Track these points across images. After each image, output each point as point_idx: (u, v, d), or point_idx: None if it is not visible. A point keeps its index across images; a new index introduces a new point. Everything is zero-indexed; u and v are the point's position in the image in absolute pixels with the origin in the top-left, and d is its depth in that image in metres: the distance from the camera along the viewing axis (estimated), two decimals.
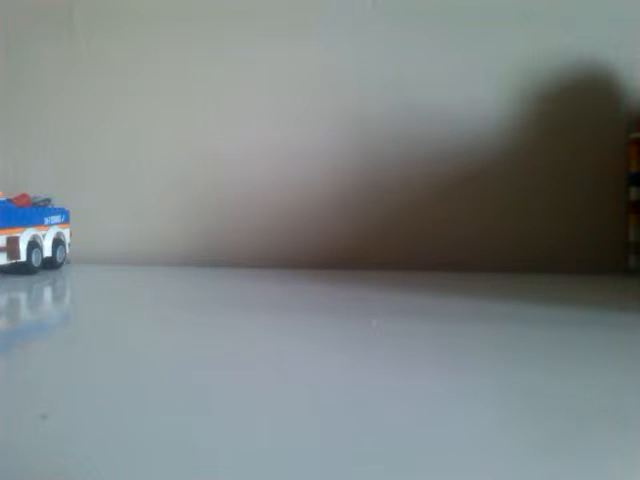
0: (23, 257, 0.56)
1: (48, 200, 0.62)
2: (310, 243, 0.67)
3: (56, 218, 0.62)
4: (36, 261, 0.58)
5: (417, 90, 0.65)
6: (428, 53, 0.64)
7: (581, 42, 0.62)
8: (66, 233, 0.64)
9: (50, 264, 0.61)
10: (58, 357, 0.29)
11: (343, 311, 0.40)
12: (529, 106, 0.63)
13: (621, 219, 0.61)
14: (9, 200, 0.57)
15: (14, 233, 0.55)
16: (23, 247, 0.56)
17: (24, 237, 0.56)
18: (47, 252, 0.60)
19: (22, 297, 0.46)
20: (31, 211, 0.58)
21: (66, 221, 0.64)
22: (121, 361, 0.28)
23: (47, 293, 0.48)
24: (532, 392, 0.23)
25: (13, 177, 0.73)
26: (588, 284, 0.52)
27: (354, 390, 0.23)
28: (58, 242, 0.62)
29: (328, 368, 0.26)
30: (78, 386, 0.24)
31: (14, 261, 0.55)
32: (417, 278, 0.56)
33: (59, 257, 0.62)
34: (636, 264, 0.59)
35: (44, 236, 0.60)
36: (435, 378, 0.25)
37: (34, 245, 0.58)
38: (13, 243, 0.55)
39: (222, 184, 0.69)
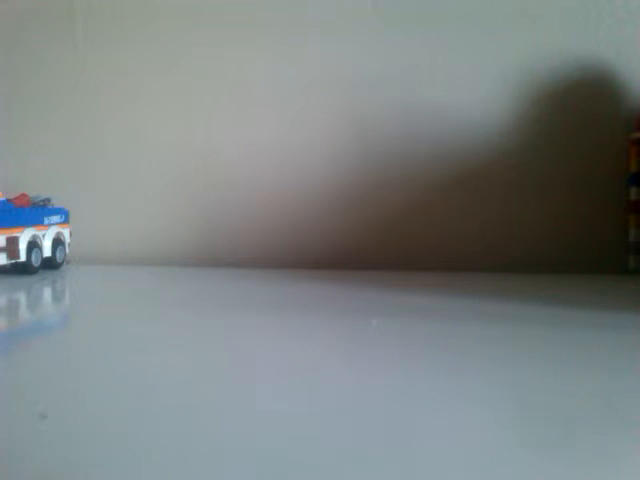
0: (23, 257, 0.56)
1: (48, 200, 0.62)
2: (310, 243, 0.67)
3: (56, 218, 0.62)
4: (36, 261, 0.58)
5: (417, 89, 0.65)
6: (428, 53, 0.64)
7: (581, 42, 0.62)
8: (66, 233, 0.64)
9: (50, 264, 0.61)
10: (58, 357, 0.29)
11: (343, 311, 0.40)
12: (529, 106, 0.63)
13: (621, 219, 0.61)
14: (9, 200, 0.57)
15: (14, 233, 0.55)
16: (23, 247, 0.56)
17: (24, 237, 0.56)
18: (47, 252, 0.60)
19: (22, 297, 0.46)
20: (31, 211, 0.58)
21: (66, 221, 0.64)
22: (121, 361, 0.28)
23: (47, 293, 0.48)
24: (532, 392, 0.23)
25: (13, 177, 0.73)
26: (588, 284, 0.52)
27: (354, 390, 0.23)
28: (58, 242, 0.62)
29: (328, 368, 0.26)
30: (78, 386, 0.24)
31: (14, 261, 0.55)
32: (417, 278, 0.56)
33: (59, 257, 0.62)
34: (636, 264, 0.58)
35: (44, 236, 0.60)
36: (435, 378, 0.25)
37: (34, 245, 0.58)
38: (13, 243, 0.55)
39: (222, 184, 0.69)
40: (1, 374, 0.26)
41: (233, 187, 0.69)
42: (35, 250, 0.58)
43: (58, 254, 0.62)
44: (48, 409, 0.21)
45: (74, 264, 0.67)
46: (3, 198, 0.55)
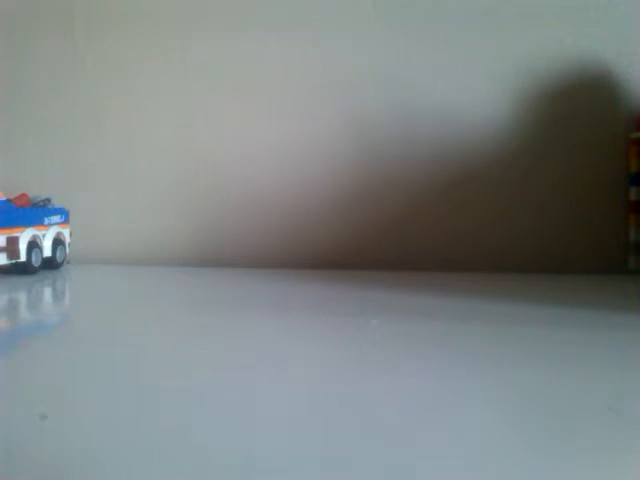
0: (23, 257, 0.56)
1: (48, 200, 0.62)
2: (310, 243, 0.67)
3: (56, 218, 0.62)
4: (36, 261, 0.58)
5: (417, 90, 0.65)
6: (428, 53, 0.64)
7: (581, 42, 0.62)
8: (66, 233, 0.64)
9: (50, 264, 0.61)
10: (58, 357, 0.29)
11: (342, 311, 0.40)
12: (529, 106, 0.63)
13: (621, 219, 0.61)
14: (9, 200, 0.57)
15: (14, 233, 0.55)
16: (23, 247, 0.56)
17: (24, 237, 0.56)
18: (47, 252, 0.60)
19: (22, 297, 0.46)
20: (31, 211, 0.58)
21: (66, 221, 0.64)
22: (121, 361, 0.28)
23: (47, 293, 0.48)
24: (532, 392, 0.23)
25: (13, 177, 0.73)
26: (588, 284, 0.52)
27: (353, 390, 0.23)
28: (58, 242, 0.62)
29: (327, 368, 0.26)
30: (78, 386, 0.24)
31: (14, 261, 0.55)
32: (417, 278, 0.56)
33: (59, 257, 0.62)
34: (636, 264, 0.59)
35: (44, 236, 0.60)
36: (435, 378, 0.25)
37: (34, 245, 0.58)
38: (13, 243, 0.55)
39: (222, 184, 0.69)
40: (1, 374, 0.26)
41: (233, 187, 0.69)
42: (35, 250, 0.58)
43: (58, 254, 0.62)
44: (48, 409, 0.21)
45: (74, 264, 0.67)
46: (3, 198, 0.55)
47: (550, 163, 0.63)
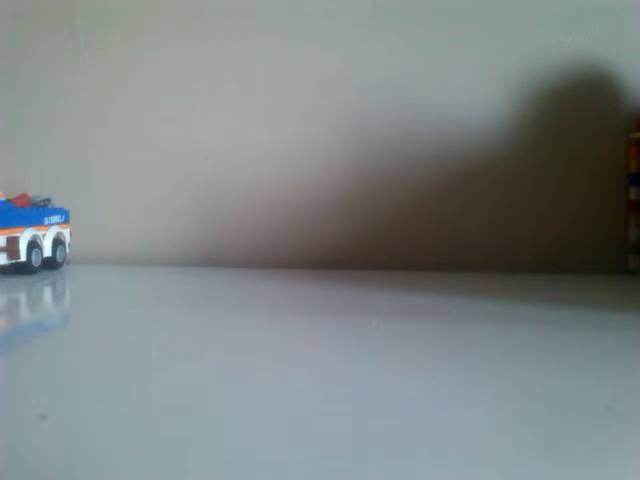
0: (23, 257, 0.56)
1: (48, 200, 0.62)
2: (310, 243, 0.67)
3: (56, 218, 0.62)
4: (36, 261, 0.58)
5: (417, 90, 0.65)
6: (428, 53, 0.64)
7: (581, 42, 0.62)
8: (66, 233, 0.64)
9: (50, 264, 0.61)
10: (58, 357, 0.29)
11: (343, 311, 0.40)
12: (529, 106, 0.63)
13: (621, 219, 0.61)
14: (9, 200, 0.57)
15: (14, 233, 0.55)
16: (23, 247, 0.56)
17: (24, 237, 0.56)
18: (47, 252, 0.60)
19: (22, 297, 0.46)
20: (31, 211, 0.58)
21: (66, 221, 0.64)
22: (121, 362, 0.28)
23: (47, 293, 0.48)
24: (532, 392, 0.23)
25: (13, 177, 0.73)
26: (588, 284, 0.52)
27: (354, 390, 0.23)
28: (58, 242, 0.62)
29: (328, 368, 0.26)
30: (78, 386, 0.24)
31: (14, 261, 0.55)
32: (417, 278, 0.56)
33: (59, 257, 0.62)
34: (636, 264, 0.58)
35: (44, 236, 0.60)
36: (435, 378, 0.25)
37: (34, 245, 0.58)
38: (13, 243, 0.55)
39: (222, 184, 0.69)
40: (1, 374, 0.26)
41: (234, 187, 0.69)
42: (35, 250, 0.58)
43: (58, 254, 0.62)
44: (48, 409, 0.21)
45: (74, 264, 0.67)
46: (3, 198, 0.55)
47: (550, 163, 0.63)
